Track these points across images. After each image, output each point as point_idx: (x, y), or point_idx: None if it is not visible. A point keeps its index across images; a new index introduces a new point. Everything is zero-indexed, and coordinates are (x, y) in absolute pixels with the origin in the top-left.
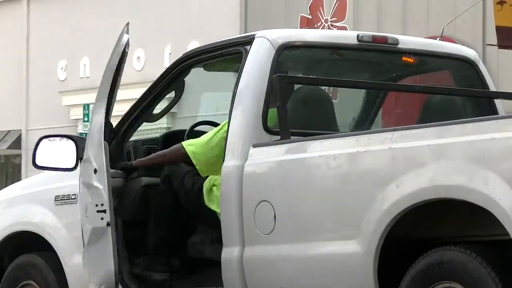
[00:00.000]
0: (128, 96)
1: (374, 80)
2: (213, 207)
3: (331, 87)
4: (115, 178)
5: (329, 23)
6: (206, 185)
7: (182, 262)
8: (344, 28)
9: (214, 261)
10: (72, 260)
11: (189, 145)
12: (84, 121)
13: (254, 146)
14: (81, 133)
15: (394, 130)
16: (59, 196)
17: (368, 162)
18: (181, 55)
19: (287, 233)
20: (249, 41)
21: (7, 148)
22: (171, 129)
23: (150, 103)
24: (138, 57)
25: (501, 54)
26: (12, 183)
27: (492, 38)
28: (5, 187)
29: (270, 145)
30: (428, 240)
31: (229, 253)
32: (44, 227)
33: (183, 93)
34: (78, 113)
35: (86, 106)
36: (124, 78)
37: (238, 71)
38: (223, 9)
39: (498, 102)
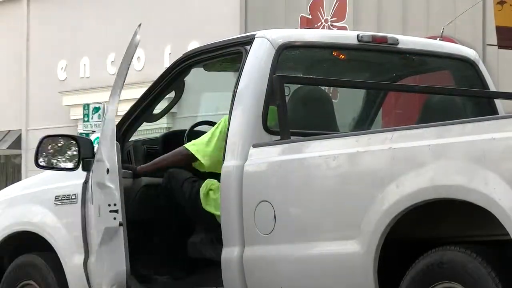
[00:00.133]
0: (128, 96)
1: (374, 80)
2: (210, 210)
3: (331, 87)
4: (125, 179)
5: (329, 23)
6: (202, 189)
7: (182, 262)
8: (344, 28)
9: (214, 261)
10: (72, 260)
11: (191, 145)
12: (84, 121)
13: (254, 146)
14: (81, 133)
15: (394, 130)
16: (59, 196)
17: (368, 162)
18: (181, 55)
19: (287, 233)
20: (249, 41)
21: (7, 148)
22: (171, 129)
23: (150, 103)
24: (138, 57)
25: (501, 54)
26: (12, 183)
27: (492, 38)
28: (5, 187)
29: (270, 145)
30: (428, 240)
31: (229, 253)
32: (44, 227)
33: (183, 93)
34: (78, 113)
35: (86, 106)
36: None
37: (238, 71)
38: (223, 9)
39: (498, 102)
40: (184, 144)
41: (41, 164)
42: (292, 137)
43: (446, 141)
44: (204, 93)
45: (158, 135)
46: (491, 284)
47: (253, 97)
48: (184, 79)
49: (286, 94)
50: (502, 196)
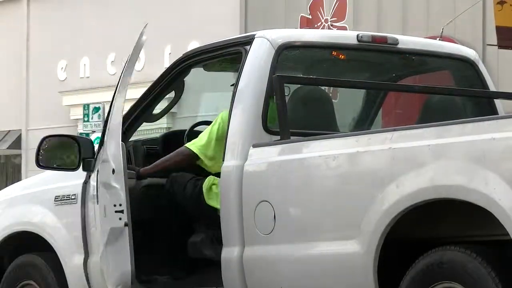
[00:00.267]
0: (128, 96)
1: (374, 80)
2: (212, 203)
3: (331, 87)
4: (129, 179)
5: (329, 23)
6: (205, 185)
7: (182, 262)
8: (344, 28)
9: (214, 261)
10: (72, 260)
11: (192, 145)
12: (84, 121)
13: (254, 146)
14: (81, 133)
15: (394, 130)
16: (59, 196)
17: (368, 162)
18: (181, 55)
19: (287, 233)
20: (249, 41)
21: (7, 148)
22: (171, 129)
23: (150, 103)
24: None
25: (501, 54)
26: (12, 183)
27: (492, 38)
28: (5, 187)
29: (270, 145)
30: (428, 240)
31: (229, 253)
32: (44, 227)
33: (183, 93)
34: (78, 113)
35: (86, 106)
36: None
37: (238, 71)
38: (223, 9)
39: (498, 102)
40: (184, 144)
41: (42, 164)
42: (292, 137)
43: (446, 141)
44: (204, 93)
45: (158, 135)
46: (491, 284)
47: (253, 97)
48: (184, 79)
49: (286, 94)
50: (502, 196)
